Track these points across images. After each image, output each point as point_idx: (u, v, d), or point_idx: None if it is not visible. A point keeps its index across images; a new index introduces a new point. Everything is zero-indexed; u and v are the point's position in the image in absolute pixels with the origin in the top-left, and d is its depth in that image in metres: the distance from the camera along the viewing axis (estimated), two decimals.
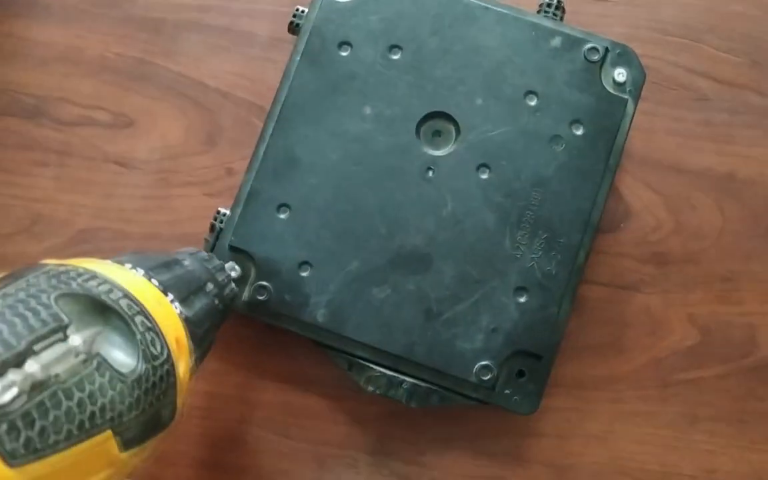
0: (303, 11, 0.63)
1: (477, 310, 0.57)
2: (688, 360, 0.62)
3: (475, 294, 0.57)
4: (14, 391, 0.30)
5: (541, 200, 0.59)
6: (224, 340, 0.61)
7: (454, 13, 0.62)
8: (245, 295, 0.58)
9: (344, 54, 0.62)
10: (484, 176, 0.59)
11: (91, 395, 0.33)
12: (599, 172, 0.59)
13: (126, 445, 0.36)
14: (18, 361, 0.30)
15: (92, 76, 0.68)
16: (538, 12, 0.64)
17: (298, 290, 0.58)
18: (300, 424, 0.61)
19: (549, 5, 0.64)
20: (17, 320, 0.32)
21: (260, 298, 0.57)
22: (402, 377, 0.57)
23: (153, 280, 0.43)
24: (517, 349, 0.57)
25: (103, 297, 0.37)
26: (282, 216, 0.59)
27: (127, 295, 0.39)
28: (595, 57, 0.61)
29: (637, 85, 0.61)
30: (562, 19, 0.64)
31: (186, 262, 0.49)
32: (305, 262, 0.58)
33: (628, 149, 0.63)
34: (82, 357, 0.34)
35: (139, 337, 0.38)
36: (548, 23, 0.62)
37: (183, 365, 0.42)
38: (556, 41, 0.61)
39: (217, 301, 0.50)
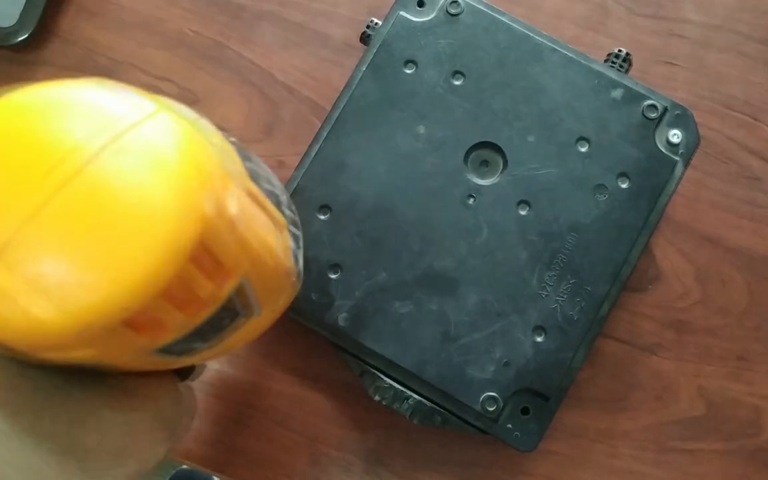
0: (377, 24, 0.66)
1: (493, 341, 0.58)
2: (690, 430, 0.63)
3: (494, 325, 0.58)
4: None
5: (576, 246, 0.60)
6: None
7: (522, 50, 0.64)
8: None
9: (408, 72, 0.64)
10: (524, 212, 0.60)
11: (267, 178, 0.42)
12: (637, 229, 0.60)
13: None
14: None
15: (167, 49, 0.71)
16: (605, 61, 0.65)
17: (324, 291, 0.60)
18: (303, 419, 0.64)
19: (617, 56, 0.65)
20: None
21: None
22: (409, 393, 0.58)
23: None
24: (525, 387, 0.58)
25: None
26: (322, 217, 0.61)
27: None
28: (653, 115, 0.62)
29: (690, 149, 0.61)
30: (627, 71, 0.65)
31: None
32: (336, 265, 0.60)
33: (668, 213, 0.64)
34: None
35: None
36: (612, 74, 0.63)
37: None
38: (617, 93, 0.62)
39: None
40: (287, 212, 0.43)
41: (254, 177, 0.39)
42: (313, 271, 0.60)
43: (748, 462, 0.62)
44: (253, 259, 0.36)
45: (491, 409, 0.57)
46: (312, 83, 0.71)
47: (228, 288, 0.35)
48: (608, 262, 0.59)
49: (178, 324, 0.34)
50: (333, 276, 0.60)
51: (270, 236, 0.38)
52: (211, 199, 0.31)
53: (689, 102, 0.68)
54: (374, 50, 0.64)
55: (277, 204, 0.41)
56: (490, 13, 0.65)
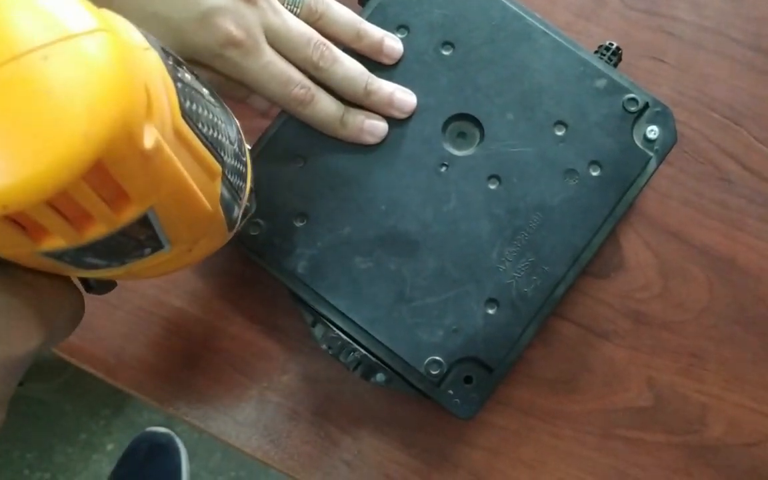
0: None
1: (445, 307, 0.59)
2: (636, 420, 0.63)
3: (448, 292, 0.59)
4: None
5: (539, 225, 0.60)
6: (210, 265, 0.65)
7: (514, 28, 0.64)
8: (239, 225, 0.61)
9: (400, 36, 0.65)
10: (493, 187, 0.61)
11: (216, 126, 0.42)
12: (602, 217, 0.60)
13: (221, 199, 0.42)
14: None
15: None
16: (596, 52, 0.65)
17: (288, 237, 0.61)
18: (255, 364, 0.65)
19: (607, 49, 0.65)
20: None
21: (252, 233, 0.61)
22: (356, 346, 0.59)
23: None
24: (471, 356, 0.58)
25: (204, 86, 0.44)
26: (295, 166, 0.62)
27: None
28: (633, 108, 0.62)
29: (665, 147, 0.62)
30: (615, 65, 0.65)
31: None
32: (302, 214, 0.61)
33: (639, 205, 0.64)
34: (209, 98, 0.42)
35: (235, 123, 0.47)
36: (599, 64, 0.64)
37: (248, 184, 0.49)
38: (601, 83, 0.63)
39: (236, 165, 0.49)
40: (230, 162, 0.44)
41: (193, 119, 0.39)
42: (279, 216, 0.61)
43: (689, 457, 0.62)
44: (164, 196, 0.37)
45: (435, 372, 0.58)
46: None
47: (127, 216, 0.35)
48: (569, 245, 0.60)
49: (64, 234, 0.34)
50: (298, 224, 0.61)
51: (193, 180, 0.39)
52: (122, 127, 0.31)
53: (673, 99, 0.69)
54: (369, 13, 0.65)
55: (218, 151, 0.42)
56: None
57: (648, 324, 0.65)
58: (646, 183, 0.61)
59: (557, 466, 0.62)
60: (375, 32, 0.63)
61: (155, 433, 1.67)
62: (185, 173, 0.38)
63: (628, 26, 0.72)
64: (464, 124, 0.63)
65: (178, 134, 0.37)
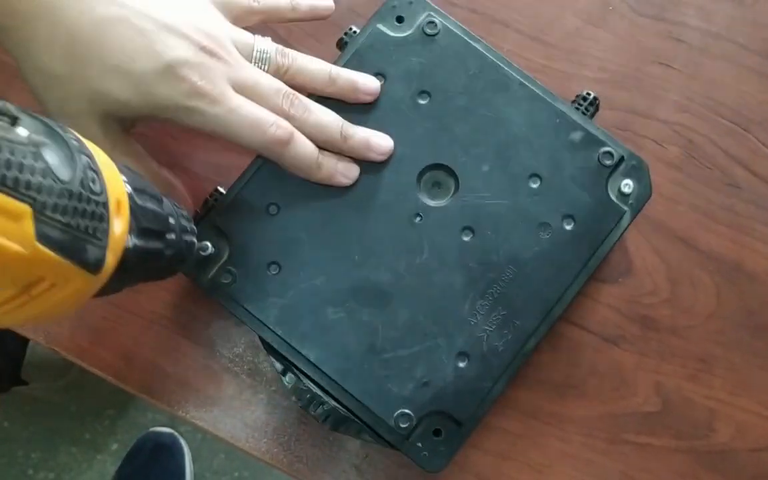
0: (355, 32, 0.66)
1: (417, 359, 0.59)
2: (643, 425, 0.63)
3: (420, 344, 0.59)
4: None
5: (512, 279, 0.60)
6: (185, 311, 0.65)
7: (490, 79, 0.64)
8: (211, 273, 0.61)
9: None
10: (467, 239, 0.61)
11: (20, 166, 0.37)
12: (575, 272, 0.60)
13: (43, 239, 0.39)
14: None
15: None
16: (573, 102, 0.65)
17: (260, 286, 0.60)
18: (264, 368, 0.66)
19: (584, 99, 0.65)
20: None
21: (224, 281, 0.60)
22: (326, 398, 0.59)
23: (120, 166, 0.45)
24: (440, 409, 0.58)
25: (58, 129, 0.41)
26: (270, 213, 0.62)
27: (80, 141, 0.43)
28: (608, 162, 0.62)
29: (640, 201, 0.62)
30: (592, 116, 0.65)
31: (164, 200, 0.51)
32: (275, 263, 0.61)
33: (647, 211, 0.64)
34: (23, 138, 0.38)
35: (79, 165, 0.41)
36: (575, 116, 0.63)
37: (120, 226, 0.44)
38: (577, 135, 0.63)
39: (170, 238, 0.51)
40: (55, 200, 0.41)
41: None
42: (252, 264, 0.61)
43: (696, 462, 0.63)
44: None
45: (404, 425, 0.58)
46: (313, 43, 0.72)
47: None
48: (541, 299, 0.60)
49: None
50: (271, 273, 0.61)
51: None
52: None
53: (680, 105, 0.69)
54: (347, 58, 0.65)
55: (23, 190, 0.39)
56: (465, 38, 0.65)
57: (656, 329, 0.65)
58: (619, 237, 0.61)
59: (565, 470, 0.63)
60: (348, 72, 0.63)
61: (159, 433, 1.68)
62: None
63: (636, 32, 0.72)
64: (439, 174, 0.63)
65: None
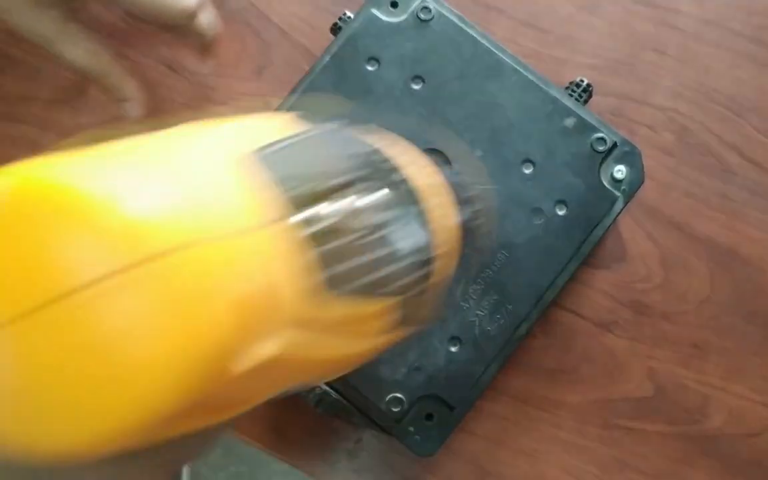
0: (349, 17, 0.66)
1: (409, 344, 0.58)
2: (636, 410, 0.64)
3: None
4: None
5: (504, 264, 0.60)
6: None
7: (484, 64, 0.64)
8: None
9: (370, 69, 0.64)
10: None
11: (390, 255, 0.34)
12: (567, 257, 0.60)
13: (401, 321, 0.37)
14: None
15: None
16: (566, 88, 0.65)
17: None
18: None
19: (577, 86, 0.65)
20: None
21: None
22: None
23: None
24: (433, 393, 0.58)
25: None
26: None
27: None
28: (601, 148, 0.61)
29: (632, 187, 0.61)
30: (585, 102, 0.65)
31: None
32: None
33: (641, 197, 0.64)
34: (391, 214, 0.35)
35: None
36: (568, 102, 0.63)
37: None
38: (570, 121, 0.62)
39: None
40: (408, 279, 0.37)
41: (338, 285, 0.32)
42: None
43: (689, 447, 0.63)
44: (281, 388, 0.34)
45: (395, 409, 0.58)
46: (307, 30, 0.71)
47: (218, 420, 0.31)
48: (533, 285, 0.60)
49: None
50: None
51: (340, 346, 0.34)
52: (213, 370, 0.26)
53: (674, 91, 0.69)
54: (340, 43, 0.65)
55: (382, 289, 0.35)
56: (460, 24, 0.65)
57: (649, 315, 0.65)
58: (612, 223, 0.61)
59: (558, 455, 0.63)
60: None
61: None
62: (319, 354, 0.33)
63: (630, 19, 0.72)
64: (433, 159, 0.62)
65: (308, 322, 0.31)
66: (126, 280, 0.24)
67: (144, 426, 0.24)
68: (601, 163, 0.61)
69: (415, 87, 0.64)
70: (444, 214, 0.42)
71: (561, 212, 0.61)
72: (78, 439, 0.24)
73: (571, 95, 0.64)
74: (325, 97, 0.62)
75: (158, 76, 0.70)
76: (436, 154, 0.62)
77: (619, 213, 0.61)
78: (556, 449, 0.63)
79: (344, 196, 0.32)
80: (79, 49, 0.59)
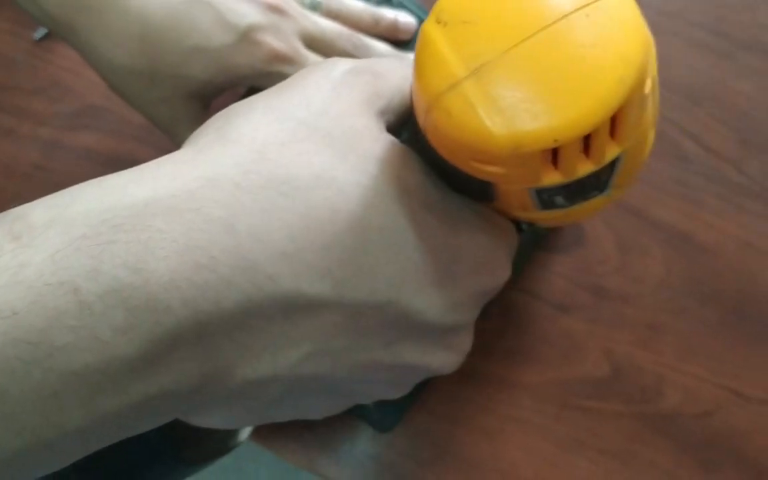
0: None
1: None
2: (593, 390, 0.65)
3: None
4: None
5: None
6: None
7: None
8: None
9: None
10: None
11: None
12: (523, 239, 0.60)
13: None
14: None
15: None
16: None
17: None
18: None
19: None
20: None
21: None
22: None
23: None
24: None
25: None
26: None
27: None
28: None
29: None
30: None
31: None
32: None
33: None
34: None
35: None
36: None
37: None
38: None
39: None
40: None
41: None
42: None
43: (644, 426, 0.64)
44: (635, 141, 0.39)
45: None
46: None
47: (610, 156, 0.38)
48: None
49: (568, 170, 0.38)
50: None
51: (651, 127, 0.41)
52: (641, 75, 0.35)
53: None
54: None
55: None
56: None
57: (606, 298, 0.66)
58: None
59: (516, 435, 0.64)
60: (389, 14, 0.66)
61: None
62: (649, 121, 0.40)
63: None
64: None
65: (654, 81, 0.40)
66: (588, 11, 0.34)
67: (602, 112, 0.34)
68: None
69: None
70: None
71: None
72: (561, 118, 0.34)
73: None
74: None
75: None
76: None
77: None
78: (514, 429, 0.64)
79: None
80: None
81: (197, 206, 0.33)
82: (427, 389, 0.60)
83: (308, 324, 0.36)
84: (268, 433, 0.64)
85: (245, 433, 0.54)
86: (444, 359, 0.44)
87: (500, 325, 0.66)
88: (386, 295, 0.38)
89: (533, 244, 0.61)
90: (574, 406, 0.64)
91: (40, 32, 0.74)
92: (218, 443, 0.52)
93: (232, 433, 0.53)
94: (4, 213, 0.32)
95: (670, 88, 0.71)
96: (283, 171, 0.36)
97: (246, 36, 0.57)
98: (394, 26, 0.66)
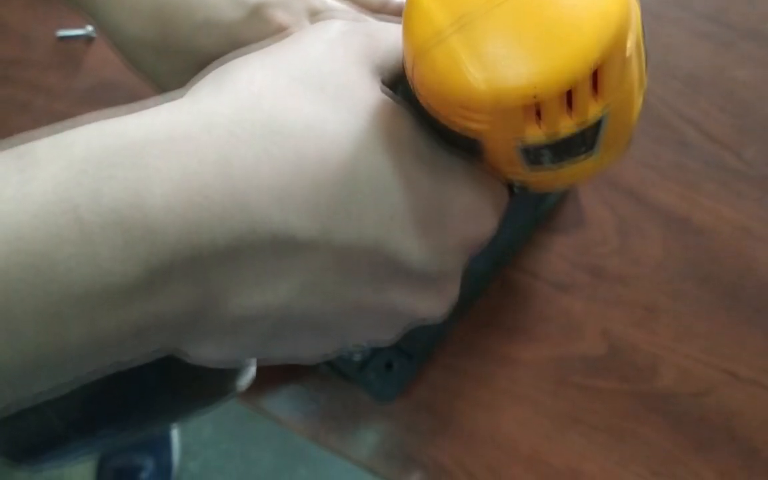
0: None
1: None
2: (590, 368, 0.66)
3: None
4: None
5: None
6: None
7: None
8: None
9: None
10: None
11: None
12: (524, 219, 0.63)
13: None
14: None
15: None
16: None
17: None
18: None
19: None
20: None
21: None
22: None
23: None
24: (392, 344, 0.61)
25: None
26: None
27: None
28: None
29: None
30: None
31: None
32: None
33: None
34: None
35: None
36: None
37: None
38: None
39: None
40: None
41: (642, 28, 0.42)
42: None
43: (638, 404, 0.65)
44: (617, 101, 0.39)
45: (357, 358, 0.60)
46: None
47: (593, 115, 0.38)
48: (492, 243, 0.62)
49: (550, 128, 0.37)
50: None
51: (636, 91, 0.41)
52: (620, 33, 0.35)
53: None
54: None
55: (646, 62, 0.43)
56: None
57: (605, 278, 0.68)
58: (567, 188, 0.64)
59: (513, 409, 0.65)
60: None
61: None
62: (634, 84, 0.40)
63: None
64: None
65: (637, 43, 0.40)
66: None
67: (581, 66, 0.34)
68: None
69: None
70: None
71: None
72: (541, 72, 0.34)
73: None
74: None
75: None
76: None
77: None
78: (512, 403, 0.65)
79: None
80: None
81: (193, 149, 0.35)
82: (427, 362, 0.61)
83: (298, 263, 0.38)
84: (274, 405, 0.65)
85: (244, 380, 0.55)
86: (430, 305, 0.45)
87: (502, 303, 0.67)
88: (374, 239, 0.39)
89: (533, 224, 0.62)
90: (571, 383, 0.66)
91: (64, 31, 0.75)
92: (217, 383, 0.53)
93: (230, 375, 0.54)
94: (11, 149, 0.34)
95: (672, 75, 0.72)
96: (277, 120, 0.38)
97: (256, 12, 0.58)
98: (402, 8, 0.66)
